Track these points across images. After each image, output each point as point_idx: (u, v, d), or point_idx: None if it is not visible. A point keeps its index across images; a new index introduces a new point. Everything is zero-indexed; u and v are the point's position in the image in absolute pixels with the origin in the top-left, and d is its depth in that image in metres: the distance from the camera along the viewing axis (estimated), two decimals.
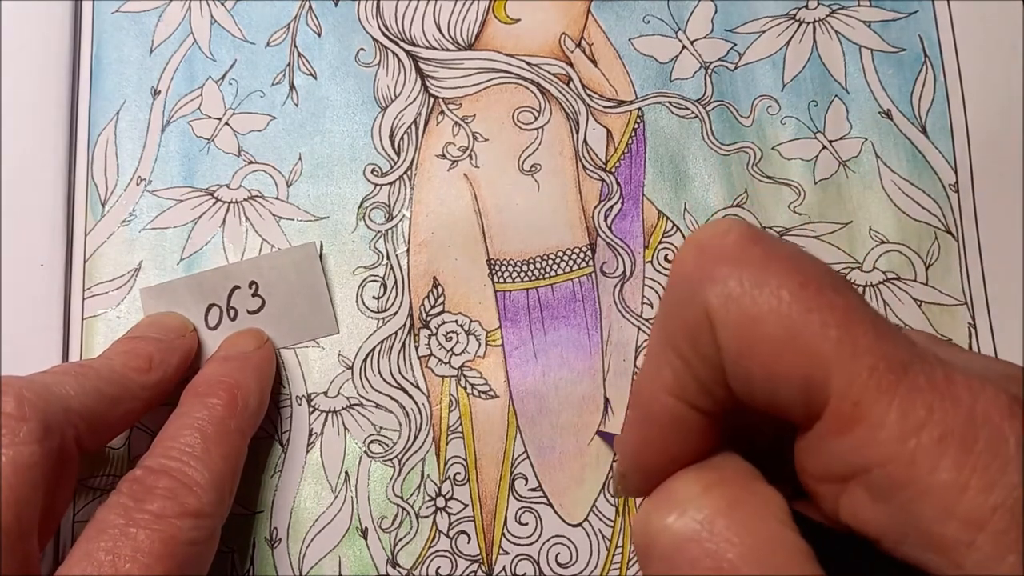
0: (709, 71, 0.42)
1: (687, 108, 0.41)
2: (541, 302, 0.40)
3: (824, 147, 0.41)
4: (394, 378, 0.39)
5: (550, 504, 0.39)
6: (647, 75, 0.42)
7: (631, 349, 0.39)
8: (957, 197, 0.40)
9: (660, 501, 0.21)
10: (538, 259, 0.40)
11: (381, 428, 0.39)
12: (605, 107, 0.41)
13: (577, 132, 0.41)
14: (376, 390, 0.39)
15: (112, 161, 0.41)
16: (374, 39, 0.42)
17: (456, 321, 0.40)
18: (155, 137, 0.41)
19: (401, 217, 0.40)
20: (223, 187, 0.41)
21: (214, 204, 0.41)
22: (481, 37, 0.42)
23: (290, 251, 0.40)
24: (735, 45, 0.42)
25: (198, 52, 0.42)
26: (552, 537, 0.38)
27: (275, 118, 0.41)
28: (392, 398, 0.39)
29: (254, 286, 0.39)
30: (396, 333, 0.40)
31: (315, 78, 0.42)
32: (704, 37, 0.42)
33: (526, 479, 0.39)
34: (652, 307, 0.40)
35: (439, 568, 0.38)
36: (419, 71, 0.42)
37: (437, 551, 0.38)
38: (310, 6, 0.42)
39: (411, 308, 0.40)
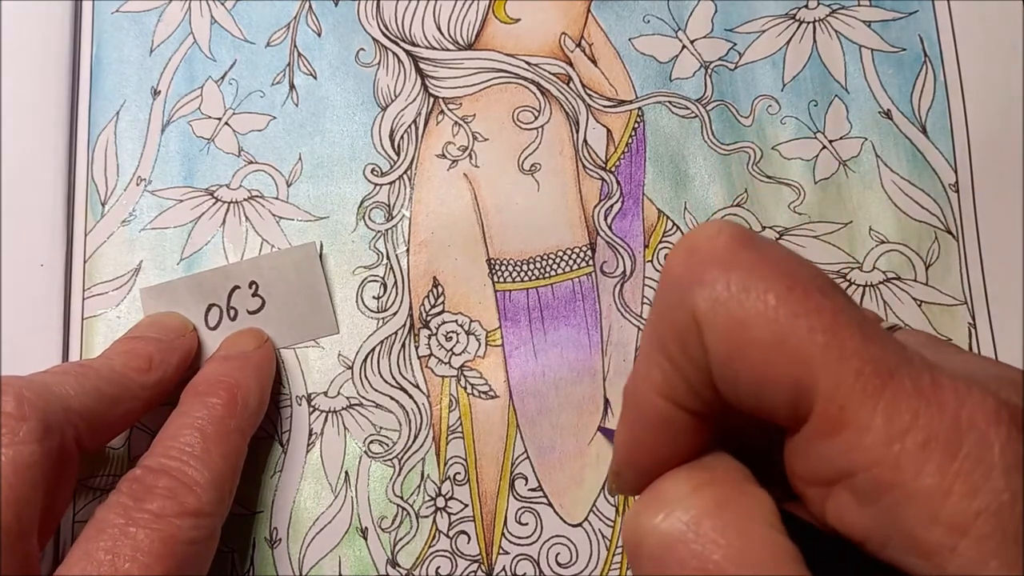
0: (709, 71, 0.42)
1: (687, 108, 0.41)
2: (541, 302, 0.40)
3: (824, 147, 0.41)
4: (394, 378, 0.39)
5: (550, 504, 0.39)
6: (647, 75, 0.42)
7: (631, 349, 0.39)
8: (957, 197, 0.40)
9: (649, 501, 0.21)
10: (538, 259, 0.40)
11: (381, 428, 0.39)
12: (605, 107, 0.41)
13: (577, 132, 0.41)
14: (376, 390, 0.39)
15: (112, 161, 0.41)
16: (374, 39, 0.42)
17: (456, 321, 0.40)
18: (155, 137, 0.41)
19: (401, 217, 0.40)
20: (223, 187, 0.41)
21: (214, 204, 0.41)
22: (481, 37, 0.42)
23: (290, 251, 0.40)
24: (735, 45, 0.42)
25: (198, 52, 0.42)
26: (552, 537, 0.38)
27: (275, 118, 0.41)
28: (392, 398, 0.39)
29: (254, 286, 0.39)
30: (396, 333, 0.40)
31: (315, 78, 0.42)
32: (704, 37, 0.42)
33: (526, 479, 0.39)
34: (652, 307, 0.40)
35: (439, 568, 0.38)
36: (419, 71, 0.42)
37: (437, 551, 0.38)
38: (310, 6, 0.42)
39: (411, 308, 0.40)
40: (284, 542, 0.38)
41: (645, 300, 0.40)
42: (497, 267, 0.40)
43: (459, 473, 0.39)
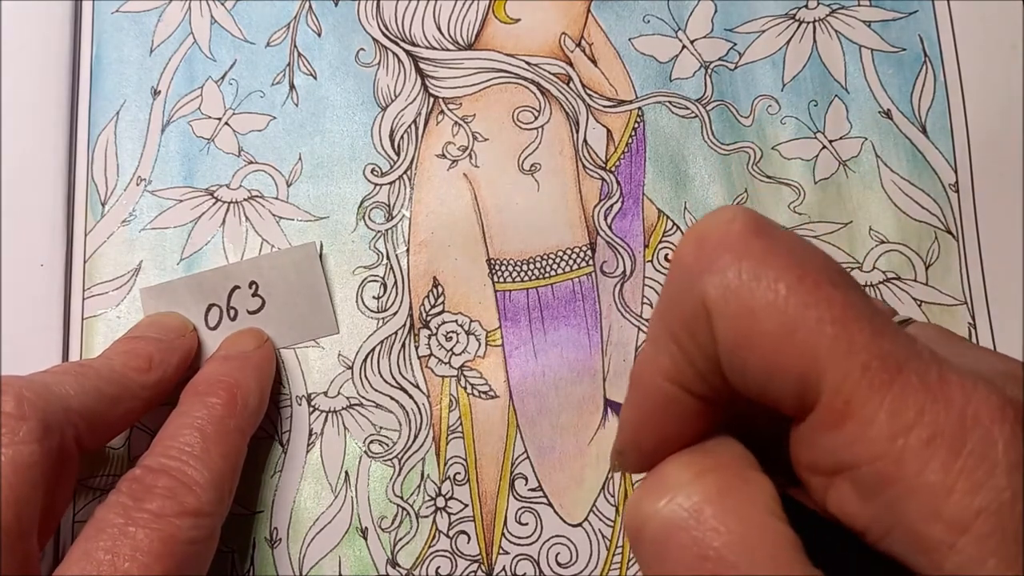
0: (709, 71, 0.42)
1: (687, 108, 0.41)
2: (541, 302, 0.40)
3: (824, 147, 0.41)
4: (394, 378, 0.39)
5: (550, 504, 0.39)
6: (647, 75, 0.42)
7: (631, 349, 0.39)
8: (957, 197, 0.40)
9: (651, 486, 0.21)
10: (538, 259, 0.40)
11: (381, 428, 0.39)
12: (605, 107, 0.41)
13: (577, 132, 0.41)
14: (376, 390, 0.39)
15: (112, 161, 0.41)
16: (374, 39, 0.42)
17: (456, 321, 0.40)
18: (155, 137, 0.41)
19: (401, 217, 0.40)
20: (223, 187, 0.41)
21: (214, 204, 0.41)
22: (481, 37, 0.42)
23: (290, 251, 0.40)
24: (735, 45, 0.42)
25: (198, 52, 0.42)
26: (552, 537, 0.38)
27: (275, 118, 0.41)
28: (392, 398, 0.39)
29: (254, 286, 0.39)
30: (396, 333, 0.40)
31: (315, 78, 0.42)
32: (704, 37, 0.42)
33: (526, 479, 0.39)
34: (652, 307, 0.40)
35: (439, 568, 0.38)
36: (419, 71, 0.42)
37: (437, 551, 0.38)
38: (310, 6, 0.42)
39: (411, 308, 0.40)
40: (284, 542, 0.38)
41: (645, 300, 0.40)
42: (497, 267, 0.40)
43: (459, 473, 0.39)
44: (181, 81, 0.42)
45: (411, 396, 0.39)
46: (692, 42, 0.42)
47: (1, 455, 0.29)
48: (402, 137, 0.41)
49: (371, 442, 0.39)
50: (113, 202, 0.41)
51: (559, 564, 0.38)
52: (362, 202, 0.41)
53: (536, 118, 0.41)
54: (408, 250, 0.40)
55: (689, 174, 0.41)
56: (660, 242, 0.40)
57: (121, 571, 0.29)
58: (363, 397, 0.39)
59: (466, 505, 0.38)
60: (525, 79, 0.41)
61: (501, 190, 0.41)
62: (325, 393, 0.39)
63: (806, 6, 0.42)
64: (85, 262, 0.40)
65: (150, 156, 0.41)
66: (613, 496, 0.38)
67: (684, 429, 0.22)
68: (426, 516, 0.38)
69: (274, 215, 0.41)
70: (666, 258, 0.40)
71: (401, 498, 0.38)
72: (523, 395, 0.39)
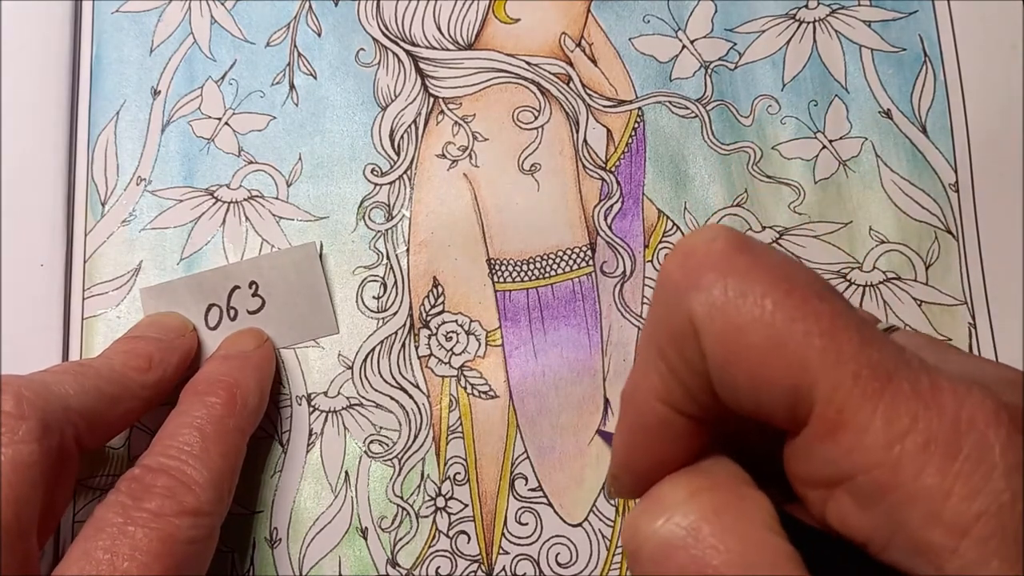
0: (709, 71, 0.42)
1: (687, 108, 0.41)
2: (541, 302, 0.40)
3: (824, 147, 0.41)
4: (394, 378, 0.39)
5: (550, 504, 0.38)
6: (647, 75, 0.42)
7: (631, 349, 0.39)
8: (957, 197, 0.40)
9: (648, 506, 0.21)
10: (538, 259, 0.40)
11: (381, 428, 0.39)
12: (605, 106, 0.41)
13: (577, 131, 0.41)
14: (376, 390, 0.39)
15: (112, 161, 0.41)
16: (374, 39, 0.42)
17: (456, 321, 0.40)
18: (155, 137, 0.41)
19: (401, 217, 0.40)
20: (223, 187, 0.41)
21: (214, 204, 0.41)
22: (481, 37, 0.42)
23: (290, 251, 0.40)
24: (735, 45, 0.42)
25: (198, 52, 0.42)
26: (552, 537, 0.38)
27: (275, 118, 0.41)
28: (392, 398, 0.39)
29: (254, 286, 0.39)
30: (396, 333, 0.40)
31: (315, 78, 0.42)
32: (704, 37, 0.42)
33: (526, 479, 0.39)
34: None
35: (439, 568, 0.38)
36: (419, 71, 0.42)
37: (437, 551, 0.38)
38: (310, 6, 0.42)
39: (411, 308, 0.40)
40: (284, 542, 0.38)
41: (645, 300, 0.40)
42: (497, 267, 0.40)
43: (459, 473, 0.39)
44: (181, 81, 0.42)
45: (411, 396, 0.39)
46: (692, 42, 0.42)
47: (1, 454, 0.29)
48: (402, 137, 0.41)
49: (371, 442, 0.39)
50: (113, 202, 0.41)
51: (559, 564, 0.38)
52: (362, 202, 0.41)
53: (536, 118, 0.41)
54: (408, 250, 0.40)
55: (689, 174, 0.41)
56: (660, 242, 0.40)
57: (120, 570, 0.29)
58: (363, 397, 0.39)
59: (466, 505, 0.38)
60: (525, 79, 0.41)
61: (501, 190, 0.41)
62: (325, 393, 0.39)
63: (806, 6, 0.42)
64: (85, 262, 0.40)
65: (150, 156, 0.41)
66: (612, 500, 0.38)
67: (677, 450, 0.22)
68: (426, 516, 0.38)
69: (274, 215, 0.41)
70: (663, 261, 0.40)
71: (401, 498, 0.38)
72: (523, 395, 0.39)
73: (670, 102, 0.41)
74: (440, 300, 0.40)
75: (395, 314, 0.40)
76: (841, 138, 0.41)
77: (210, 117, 0.41)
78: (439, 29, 0.42)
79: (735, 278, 0.19)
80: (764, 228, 0.40)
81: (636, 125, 0.41)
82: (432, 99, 0.41)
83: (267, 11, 0.42)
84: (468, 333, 0.40)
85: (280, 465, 0.39)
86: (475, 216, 0.40)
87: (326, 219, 0.40)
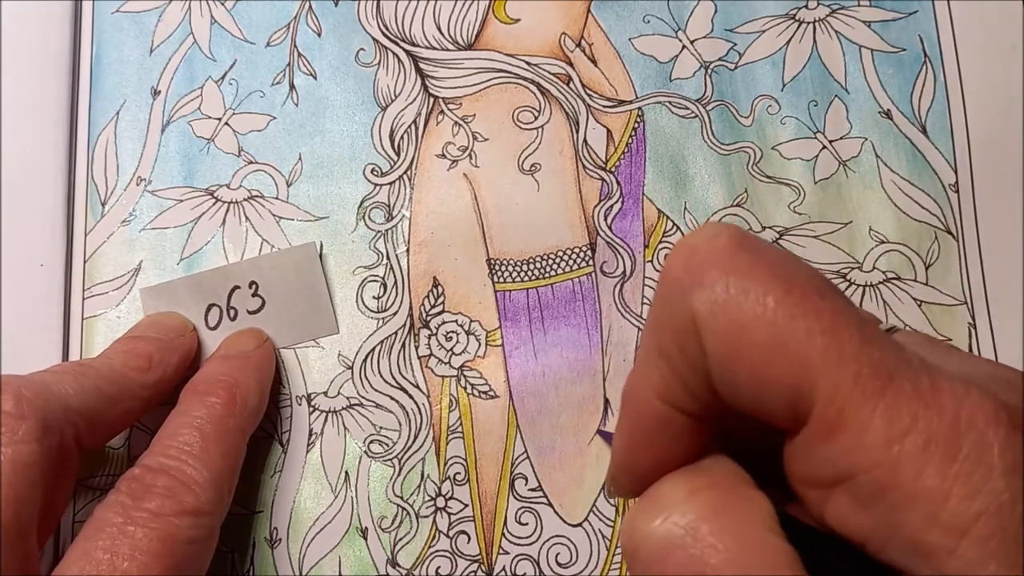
0: (709, 71, 0.42)
1: (687, 108, 0.41)
2: (541, 302, 0.40)
3: (824, 147, 0.41)
4: (394, 378, 0.39)
5: (550, 504, 0.38)
6: (647, 75, 0.42)
7: (631, 349, 0.39)
8: (957, 197, 0.40)
9: (647, 505, 0.21)
10: (538, 259, 0.40)
11: (381, 428, 0.39)
12: (605, 107, 0.41)
13: (577, 132, 0.41)
14: (376, 390, 0.39)
15: (112, 161, 0.41)
16: (374, 39, 0.42)
17: (456, 321, 0.40)
18: (155, 137, 0.41)
19: (401, 217, 0.40)
20: (223, 187, 0.41)
21: (214, 204, 0.41)
22: (481, 37, 0.42)
23: (290, 251, 0.40)
24: (735, 45, 0.42)
25: (198, 52, 0.42)
26: (552, 537, 0.38)
27: (275, 118, 0.41)
28: (392, 398, 0.39)
29: (254, 286, 0.39)
30: (396, 333, 0.40)
31: (315, 78, 0.42)
32: (704, 37, 0.42)
33: (526, 479, 0.39)
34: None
35: (439, 568, 0.38)
36: (419, 71, 0.42)
37: (437, 551, 0.38)
38: (310, 6, 0.42)
39: (411, 308, 0.40)
40: (284, 542, 0.38)
41: (645, 300, 0.40)
42: (497, 267, 0.40)
43: (459, 473, 0.39)
44: (181, 81, 0.42)
45: (411, 396, 0.39)
46: (692, 42, 0.42)
47: (1, 454, 0.29)
48: (402, 137, 0.41)
49: (371, 442, 0.39)
50: (113, 202, 0.41)
51: (559, 564, 0.38)
52: (362, 202, 0.41)
53: (536, 118, 0.41)
54: (408, 250, 0.40)
55: (689, 174, 0.41)
56: (660, 242, 0.40)
57: (120, 570, 0.29)
58: (363, 397, 0.39)
59: (466, 505, 0.38)
60: (525, 79, 0.41)
61: (501, 190, 0.41)
62: (325, 393, 0.39)
63: (806, 6, 0.42)
64: (85, 262, 0.40)
65: (150, 156, 0.41)
66: (612, 499, 0.38)
67: (676, 449, 0.22)
68: (426, 516, 0.38)
69: (274, 215, 0.41)
70: (666, 258, 0.40)
71: (401, 498, 0.38)
72: (523, 395, 0.39)
73: (670, 102, 0.41)
74: (440, 300, 0.40)
75: (395, 314, 0.40)
76: (841, 138, 0.41)
77: (210, 117, 0.41)
78: (439, 29, 0.42)
79: (737, 276, 0.19)
80: (764, 228, 0.40)
81: (636, 125, 0.41)
82: (432, 99, 0.41)
83: (267, 11, 0.42)
84: (468, 333, 0.40)
85: (280, 465, 0.39)
86: (475, 216, 0.40)
87: (326, 219, 0.40)
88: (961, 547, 0.17)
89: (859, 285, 0.40)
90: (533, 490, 0.39)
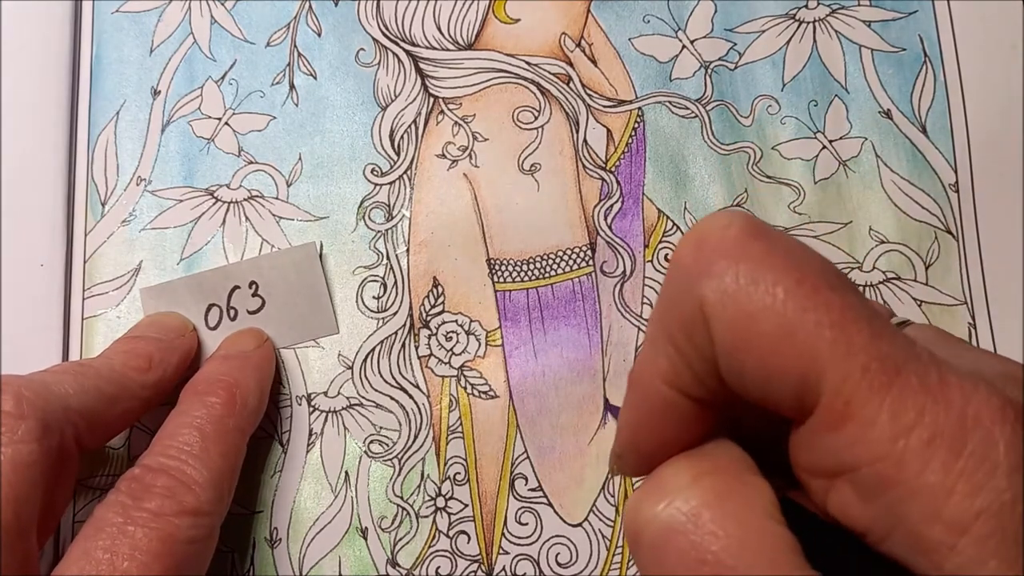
0: (709, 71, 0.42)
1: (687, 108, 0.41)
2: (541, 302, 0.40)
3: (824, 147, 0.41)
4: (394, 378, 0.39)
5: (550, 504, 0.38)
6: (647, 75, 0.42)
7: (631, 349, 0.39)
8: (957, 197, 0.40)
9: (650, 489, 0.21)
10: (538, 259, 0.40)
11: (381, 428, 0.39)
12: (605, 107, 0.41)
13: (577, 132, 0.41)
14: (376, 390, 0.39)
15: (112, 161, 0.41)
16: (374, 39, 0.42)
17: (456, 321, 0.40)
18: (155, 137, 0.41)
19: (401, 217, 0.40)
20: (223, 187, 0.41)
21: (214, 204, 0.41)
22: (481, 37, 0.42)
23: (290, 251, 0.40)
24: (735, 45, 0.42)
25: (198, 52, 0.42)
26: (552, 537, 0.38)
27: (275, 118, 0.41)
28: (392, 398, 0.39)
29: (254, 286, 0.39)
30: (396, 333, 0.40)
31: (315, 78, 0.42)
32: (704, 37, 0.42)
33: (526, 479, 0.39)
34: (652, 307, 0.40)
35: (439, 568, 0.38)
36: (419, 71, 0.42)
37: (437, 551, 0.38)
38: (310, 6, 0.42)
39: (411, 308, 0.40)
40: (284, 542, 0.38)
41: (645, 300, 0.40)
42: (497, 267, 0.40)
43: (459, 473, 0.39)
44: (181, 81, 0.42)
45: (411, 396, 0.39)
46: (692, 42, 0.42)
47: (1, 454, 0.29)
48: (402, 137, 0.41)
49: (371, 442, 0.39)
50: (113, 202, 0.41)
51: (559, 564, 0.38)
52: (362, 202, 0.41)
53: (536, 118, 0.41)
54: (408, 250, 0.40)
55: (689, 174, 0.41)
56: (660, 242, 0.40)
57: (120, 570, 0.29)
58: (363, 397, 0.39)
59: (466, 505, 0.38)
60: (525, 79, 0.41)
61: (501, 190, 0.41)
62: (325, 393, 0.39)
63: (806, 6, 0.42)
64: (85, 262, 0.40)
65: (150, 156, 0.41)
66: (613, 496, 0.38)
67: (682, 432, 0.22)
68: (426, 516, 0.38)
69: (274, 215, 0.41)
70: (666, 258, 0.40)
71: (401, 498, 0.38)
72: (523, 395, 0.39)
73: (670, 102, 0.41)
74: (440, 300, 0.40)
75: (395, 314, 0.40)
76: (841, 138, 0.41)
77: (210, 117, 0.41)
78: (439, 29, 0.42)
79: (747, 265, 0.19)
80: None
81: (636, 125, 0.41)
82: (432, 99, 0.41)
83: (267, 11, 0.42)
84: (468, 333, 0.40)
85: (280, 465, 0.39)
86: (475, 216, 0.40)
87: (326, 219, 0.40)
88: (961, 544, 0.17)
89: (859, 285, 0.40)
90: (533, 490, 0.39)
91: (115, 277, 0.40)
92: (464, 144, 0.41)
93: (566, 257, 0.40)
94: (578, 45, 0.42)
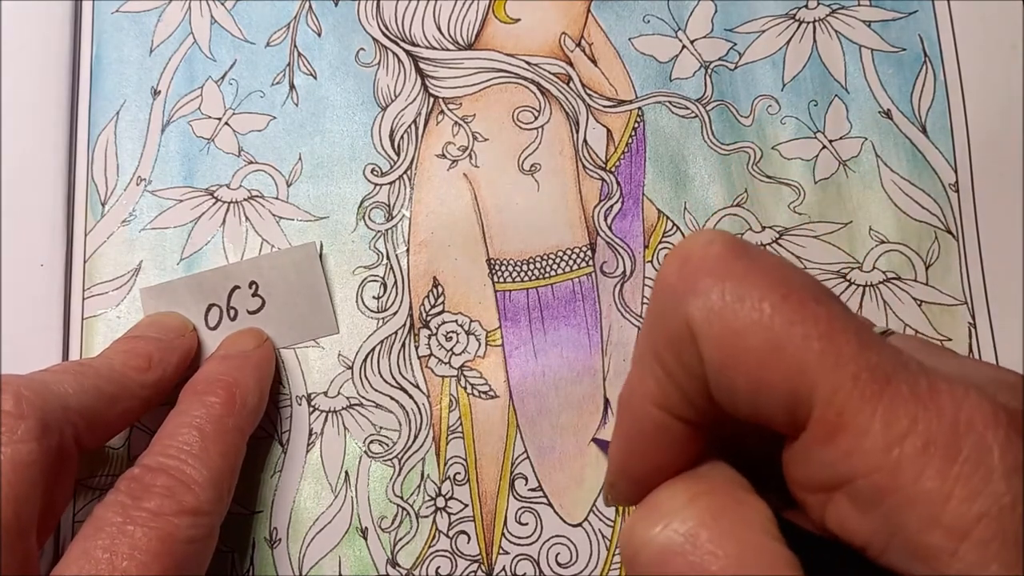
0: (709, 71, 0.42)
1: (687, 108, 0.41)
2: (541, 302, 0.40)
3: (824, 147, 0.41)
4: (394, 378, 0.39)
5: (550, 504, 0.38)
6: (647, 75, 0.42)
7: (631, 349, 0.39)
8: (957, 197, 0.40)
9: (646, 512, 0.21)
10: (538, 259, 0.40)
11: (381, 428, 0.39)
12: (605, 107, 0.41)
13: (577, 132, 0.41)
14: (376, 390, 0.39)
15: (112, 161, 0.41)
16: (374, 39, 0.42)
17: (456, 321, 0.40)
18: (155, 137, 0.41)
19: (401, 217, 0.40)
20: (223, 187, 0.41)
21: (214, 204, 0.41)
22: (481, 37, 0.42)
23: (290, 251, 0.40)
24: (735, 45, 0.42)
25: (198, 52, 0.42)
26: (552, 537, 0.38)
27: (275, 118, 0.41)
28: (392, 398, 0.39)
29: (254, 286, 0.39)
30: (396, 333, 0.40)
31: (315, 78, 0.42)
32: (704, 37, 0.42)
33: (526, 479, 0.39)
34: None
35: (439, 568, 0.38)
36: (419, 71, 0.42)
37: (437, 551, 0.38)
38: (310, 6, 0.42)
39: (411, 308, 0.40)
40: (284, 542, 0.38)
41: (645, 300, 0.40)
42: (497, 267, 0.40)
43: (459, 473, 0.39)
44: (181, 81, 0.42)
45: (411, 396, 0.39)
46: (692, 42, 0.42)
47: (0, 453, 0.29)
48: (402, 137, 0.41)
49: (371, 442, 0.39)
50: (113, 202, 0.41)
51: (559, 564, 0.38)
52: (362, 202, 0.41)
53: (536, 118, 0.41)
54: (408, 250, 0.40)
55: (689, 174, 0.41)
56: (660, 242, 0.40)
57: (120, 570, 0.29)
58: (363, 397, 0.39)
59: (466, 505, 0.38)
60: (525, 79, 0.42)
61: (501, 190, 0.41)
62: (325, 393, 0.39)
63: (806, 6, 0.42)
64: (85, 262, 0.40)
65: (150, 156, 0.41)
66: (606, 506, 0.38)
67: (674, 455, 0.22)
68: (426, 516, 0.38)
69: (274, 215, 0.41)
70: (660, 266, 0.40)
71: (401, 498, 0.38)
72: (523, 395, 0.39)
73: (670, 102, 0.41)
74: (440, 300, 0.40)
75: (395, 314, 0.40)
76: (841, 138, 0.41)
77: (210, 117, 0.41)
78: (439, 29, 0.42)
79: (732, 282, 0.19)
80: (764, 228, 0.40)
81: (636, 125, 0.41)
82: (432, 99, 0.41)
83: (267, 11, 0.42)
84: (468, 333, 0.40)
85: (280, 465, 0.39)
86: (475, 216, 0.40)
87: (326, 219, 0.40)
88: (962, 549, 0.17)
89: (859, 285, 0.40)
90: (533, 490, 0.39)
91: (115, 277, 0.40)
92: (464, 144, 0.41)
93: (566, 257, 0.40)
94: (578, 45, 0.42)
